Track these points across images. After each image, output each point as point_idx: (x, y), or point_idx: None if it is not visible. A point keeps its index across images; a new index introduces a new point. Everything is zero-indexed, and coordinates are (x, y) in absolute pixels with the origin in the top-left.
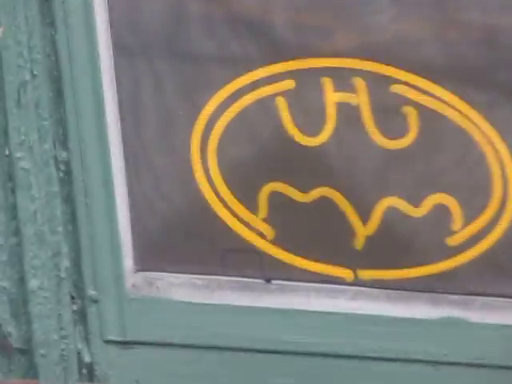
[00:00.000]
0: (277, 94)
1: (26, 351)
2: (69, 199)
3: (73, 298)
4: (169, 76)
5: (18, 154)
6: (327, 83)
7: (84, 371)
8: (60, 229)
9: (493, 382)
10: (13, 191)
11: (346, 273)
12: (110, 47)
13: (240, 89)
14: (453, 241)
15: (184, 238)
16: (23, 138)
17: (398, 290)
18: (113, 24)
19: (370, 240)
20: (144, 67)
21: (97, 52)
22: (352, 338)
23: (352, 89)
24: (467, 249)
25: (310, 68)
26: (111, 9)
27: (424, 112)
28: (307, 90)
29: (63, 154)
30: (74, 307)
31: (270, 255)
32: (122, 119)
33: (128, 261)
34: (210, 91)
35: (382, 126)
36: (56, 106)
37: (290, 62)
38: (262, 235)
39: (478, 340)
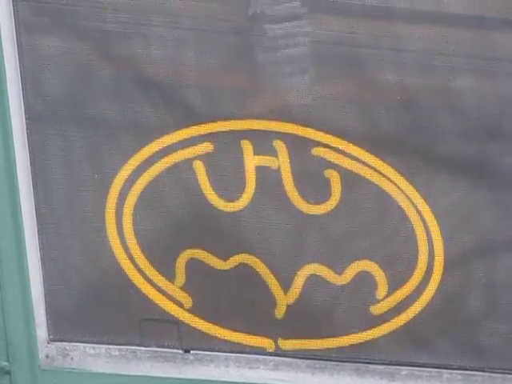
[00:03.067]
0: (194, 158)
1: None
2: None
3: None
4: (81, 142)
5: None
6: (247, 146)
7: None
8: None
9: None
10: None
11: (266, 342)
12: (23, 114)
13: (155, 153)
14: (377, 309)
15: (100, 307)
16: None
17: (321, 360)
18: (25, 91)
19: (291, 308)
20: (56, 133)
21: (9, 118)
22: None
23: (272, 152)
24: (392, 317)
25: (228, 131)
26: (23, 77)
27: (347, 176)
28: (226, 153)
29: None
30: None
31: (188, 324)
32: (35, 186)
33: (41, 331)
34: (124, 157)
35: (304, 191)
36: None
37: (207, 125)
38: (179, 304)
39: None
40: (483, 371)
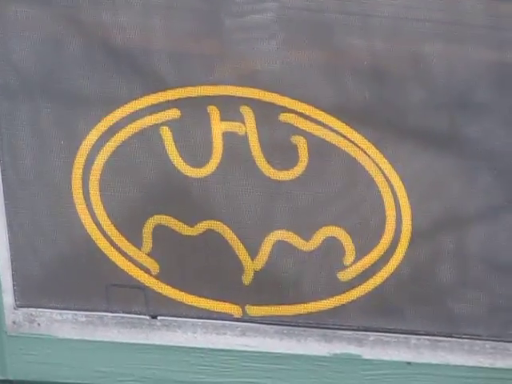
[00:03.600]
0: (161, 124)
1: None
2: None
3: None
4: (48, 109)
5: None
6: (214, 112)
7: None
8: None
9: None
10: None
11: (234, 309)
12: None
13: (122, 119)
14: (345, 275)
15: (67, 273)
16: None
17: (288, 325)
18: None
19: (258, 275)
20: (22, 99)
21: None
22: (241, 376)
23: (239, 118)
24: (360, 283)
25: (195, 96)
26: None
27: (314, 142)
28: (193, 119)
29: None
30: None
31: (156, 291)
32: (1, 152)
33: (8, 297)
34: (91, 123)
35: (271, 157)
36: None
37: (174, 91)
38: (146, 270)
39: (371, 377)
40: (451, 337)
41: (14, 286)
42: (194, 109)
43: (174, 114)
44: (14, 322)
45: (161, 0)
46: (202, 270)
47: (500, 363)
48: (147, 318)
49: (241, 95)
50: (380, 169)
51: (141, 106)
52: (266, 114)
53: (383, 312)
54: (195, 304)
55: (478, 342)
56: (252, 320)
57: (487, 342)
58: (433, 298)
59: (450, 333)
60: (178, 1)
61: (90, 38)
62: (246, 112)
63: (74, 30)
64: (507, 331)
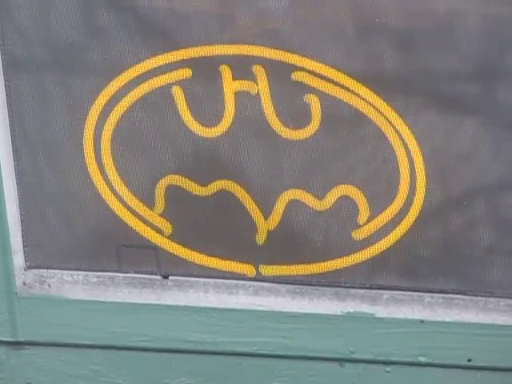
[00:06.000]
0: (173, 84)
1: None
2: None
3: None
4: (55, 71)
5: None
6: (225, 71)
7: None
8: None
9: (399, 379)
10: None
11: (247, 268)
12: None
13: (133, 79)
14: (358, 234)
15: (77, 234)
16: None
17: (301, 285)
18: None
19: (272, 234)
20: (30, 64)
21: None
22: (254, 336)
23: (251, 77)
24: (374, 242)
25: (206, 56)
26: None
27: (327, 100)
28: (205, 78)
29: None
30: None
31: (168, 251)
32: (11, 110)
33: (18, 258)
34: (101, 84)
35: (284, 116)
36: None
37: (184, 51)
38: (158, 230)
39: (384, 335)
40: (465, 294)
41: (24, 247)
42: (206, 68)
43: (185, 73)
44: (24, 284)
45: None
46: (215, 230)
47: None
48: (159, 278)
49: (253, 54)
50: (392, 125)
51: (152, 66)
52: (279, 72)
53: (397, 270)
54: (207, 264)
55: (492, 299)
56: (265, 279)
57: (501, 299)
58: (447, 257)
59: (465, 290)
60: None
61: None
62: (258, 71)
63: None
64: None
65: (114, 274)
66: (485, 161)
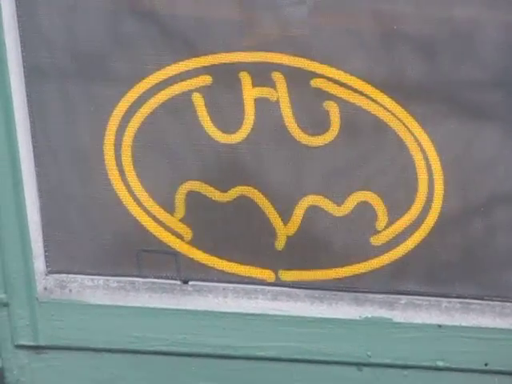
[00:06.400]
0: (193, 90)
1: None
2: None
3: None
4: (78, 77)
5: None
6: (245, 78)
7: None
8: None
9: (417, 383)
10: None
11: (266, 273)
12: (19, 45)
13: (155, 85)
14: (377, 240)
15: (98, 239)
16: None
17: (320, 290)
18: (20, 23)
19: (291, 240)
20: (53, 68)
21: (4, 49)
22: (273, 340)
23: (271, 83)
24: (391, 248)
25: (226, 63)
26: (19, 4)
27: (346, 107)
28: (225, 85)
29: None
30: None
31: (187, 256)
32: (31, 119)
33: (39, 263)
34: (123, 90)
35: (303, 122)
36: None
37: (205, 57)
38: (179, 236)
39: (402, 340)
40: (482, 299)
41: (45, 252)
42: (226, 75)
43: (205, 80)
44: (45, 288)
45: None
46: (235, 235)
47: None
48: (178, 283)
49: (272, 61)
50: (411, 132)
51: (173, 73)
52: (298, 79)
53: (415, 276)
54: (227, 269)
55: (508, 304)
56: (284, 284)
57: None
58: (464, 262)
59: (482, 295)
60: None
61: (119, 4)
62: (278, 78)
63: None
64: None
65: (135, 278)
66: (503, 169)
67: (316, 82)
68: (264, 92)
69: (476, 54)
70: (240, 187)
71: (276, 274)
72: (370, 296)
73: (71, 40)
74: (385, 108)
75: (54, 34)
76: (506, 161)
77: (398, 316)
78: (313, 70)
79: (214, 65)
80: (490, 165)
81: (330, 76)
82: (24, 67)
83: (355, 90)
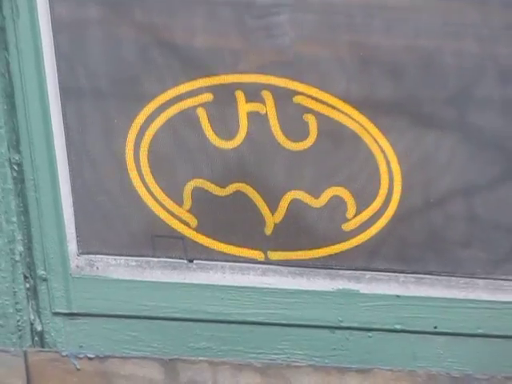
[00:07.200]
0: (197, 106)
1: None
2: (21, 194)
3: (26, 277)
4: (106, 91)
5: None
6: (240, 95)
7: (36, 339)
8: (14, 219)
9: (378, 343)
10: None
11: (257, 254)
12: (55, 69)
13: (166, 102)
14: (347, 227)
15: (120, 226)
16: None
17: (300, 267)
18: (58, 50)
19: (278, 226)
20: (85, 83)
21: (43, 72)
22: (262, 308)
23: (261, 100)
24: (359, 233)
25: (225, 83)
26: (55, 34)
27: (322, 119)
28: (223, 101)
29: (16, 157)
30: (27, 285)
31: (193, 240)
32: (66, 126)
33: (72, 245)
34: (143, 103)
35: (287, 131)
36: (10, 116)
37: (208, 78)
38: (186, 223)
39: (367, 308)
40: (431, 275)
41: (77, 236)
42: (224, 93)
43: (208, 97)
44: (77, 266)
45: (205, 7)
46: (232, 223)
47: (471, 295)
48: (185, 261)
49: (262, 81)
50: (376, 141)
51: (180, 92)
52: (283, 96)
53: (378, 255)
54: (225, 250)
55: (453, 278)
56: (271, 263)
57: (460, 278)
58: (417, 244)
59: (431, 271)
60: (215, 7)
61: (142, 34)
62: (266, 95)
63: (128, 27)
64: (476, 270)
65: (150, 258)
66: (448, 171)
67: (297, 99)
68: (255, 107)
69: (430, 78)
70: (236, 184)
71: (265, 254)
72: (341, 272)
73: (99, 65)
74: (355, 120)
75: (83, 60)
76: (451, 165)
77: (364, 288)
78: (295, 88)
79: (215, 85)
80: (438, 168)
81: (309, 94)
82: (59, 88)
83: (330, 105)
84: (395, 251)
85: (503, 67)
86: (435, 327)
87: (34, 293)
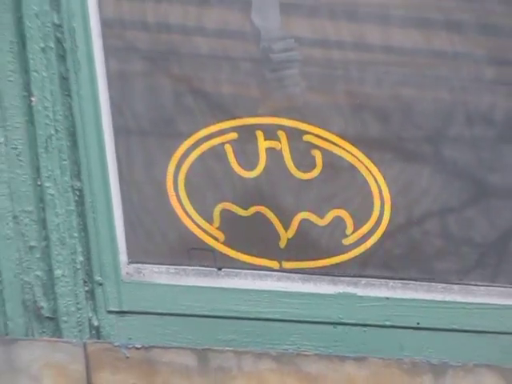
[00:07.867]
0: (225, 143)
1: (53, 319)
2: (82, 215)
3: (85, 282)
4: (150, 131)
5: (47, 184)
6: (259, 135)
7: (93, 332)
8: (76, 235)
9: (371, 336)
10: (43, 210)
11: (273, 263)
12: (109, 112)
13: (200, 139)
14: (347, 241)
15: (161, 240)
16: (50, 173)
17: (309, 274)
18: (111, 96)
19: (290, 241)
20: (133, 124)
21: (100, 115)
22: (277, 307)
23: (277, 138)
24: (356, 247)
25: (247, 124)
26: (109, 83)
27: (326, 154)
28: (246, 139)
29: (78, 184)
30: (86, 288)
31: (221, 252)
32: (118, 159)
33: (123, 256)
34: (180, 140)
35: (298, 163)
36: (72, 151)
37: (233, 120)
38: (215, 238)
39: (362, 307)
40: (416, 281)
41: (127, 249)
42: (247, 132)
43: (233, 136)
44: (127, 273)
45: (229, 62)
46: (253, 238)
47: (448, 298)
48: (215, 269)
49: (277, 123)
50: (370, 171)
51: (211, 131)
52: (294, 135)
53: (372, 265)
54: (247, 260)
55: (432, 283)
56: (285, 271)
57: (439, 284)
58: (404, 256)
59: (416, 278)
60: (237, 61)
61: (178, 85)
62: (281, 134)
63: (166, 80)
64: (451, 277)
65: (186, 267)
66: (430, 195)
67: (306, 137)
68: (272, 144)
69: (411, 120)
70: (256, 206)
71: (280, 263)
72: (342, 278)
73: (143, 109)
74: (352, 154)
75: (131, 104)
76: (429, 191)
77: (360, 291)
78: (304, 129)
79: (239, 125)
80: (419, 193)
81: (316, 133)
82: (113, 128)
83: (332, 142)
84: (385, 261)
85: (471, 112)
86: (418, 323)
87: (91, 295)
